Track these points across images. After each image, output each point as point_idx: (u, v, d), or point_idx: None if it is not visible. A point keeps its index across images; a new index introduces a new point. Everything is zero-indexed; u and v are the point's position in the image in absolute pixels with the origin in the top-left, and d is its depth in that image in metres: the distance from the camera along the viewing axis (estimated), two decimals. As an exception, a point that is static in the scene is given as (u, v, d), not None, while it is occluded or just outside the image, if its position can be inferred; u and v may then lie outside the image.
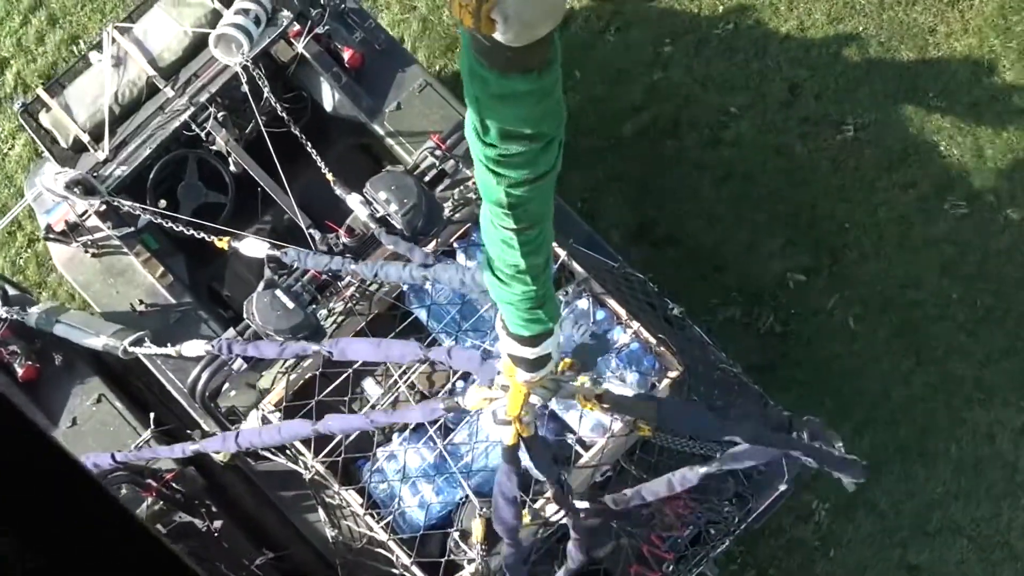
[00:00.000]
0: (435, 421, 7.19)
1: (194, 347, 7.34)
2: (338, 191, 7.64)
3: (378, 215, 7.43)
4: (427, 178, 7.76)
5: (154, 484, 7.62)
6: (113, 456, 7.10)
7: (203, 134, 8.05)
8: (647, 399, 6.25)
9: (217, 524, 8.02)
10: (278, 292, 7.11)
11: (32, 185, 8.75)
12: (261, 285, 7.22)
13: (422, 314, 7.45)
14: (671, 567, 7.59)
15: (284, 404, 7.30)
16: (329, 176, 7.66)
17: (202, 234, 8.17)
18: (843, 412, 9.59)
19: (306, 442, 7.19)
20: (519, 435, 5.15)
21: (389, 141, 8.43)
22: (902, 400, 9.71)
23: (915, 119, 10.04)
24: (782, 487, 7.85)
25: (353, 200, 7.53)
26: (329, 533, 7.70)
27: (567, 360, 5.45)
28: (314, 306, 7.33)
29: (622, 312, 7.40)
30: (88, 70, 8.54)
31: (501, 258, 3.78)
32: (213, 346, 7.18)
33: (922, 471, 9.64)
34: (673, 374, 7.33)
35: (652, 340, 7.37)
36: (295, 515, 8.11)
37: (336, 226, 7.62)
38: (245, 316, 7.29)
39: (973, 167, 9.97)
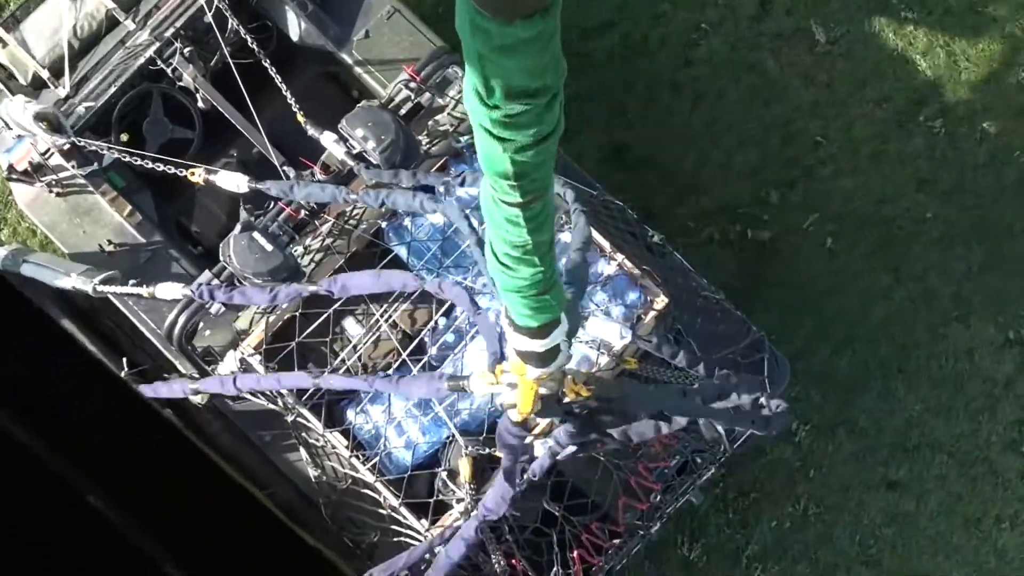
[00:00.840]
0: (419, 361, 7.10)
1: (170, 290, 7.17)
2: (311, 131, 7.44)
3: (355, 152, 7.23)
4: (402, 112, 7.57)
5: (133, 430, 7.48)
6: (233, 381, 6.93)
7: (169, 70, 7.81)
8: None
9: (196, 466, 7.91)
10: (255, 234, 6.93)
11: (-10, 122, 8.50)
12: (237, 228, 7.03)
13: (402, 251, 7.30)
14: (659, 497, 7.57)
15: (264, 347, 7.15)
16: (300, 117, 7.46)
17: (171, 169, 8.03)
18: (823, 331, 9.55)
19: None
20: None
21: (358, 70, 8.23)
22: (882, 317, 9.67)
23: (888, 32, 9.89)
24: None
25: (327, 139, 7.33)
26: (312, 473, 7.61)
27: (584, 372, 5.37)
28: (291, 247, 7.17)
29: (606, 244, 7.28)
30: (44, 3, 8.28)
31: (506, 239, 3.73)
32: (192, 291, 7.02)
33: (902, 388, 9.63)
34: (659, 306, 7.23)
35: (637, 272, 7.26)
36: (275, 455, 7.99)
37: (311, 162, 7.43)
38: (222, 259, 7.11)
39: (948, 80, 9.84)
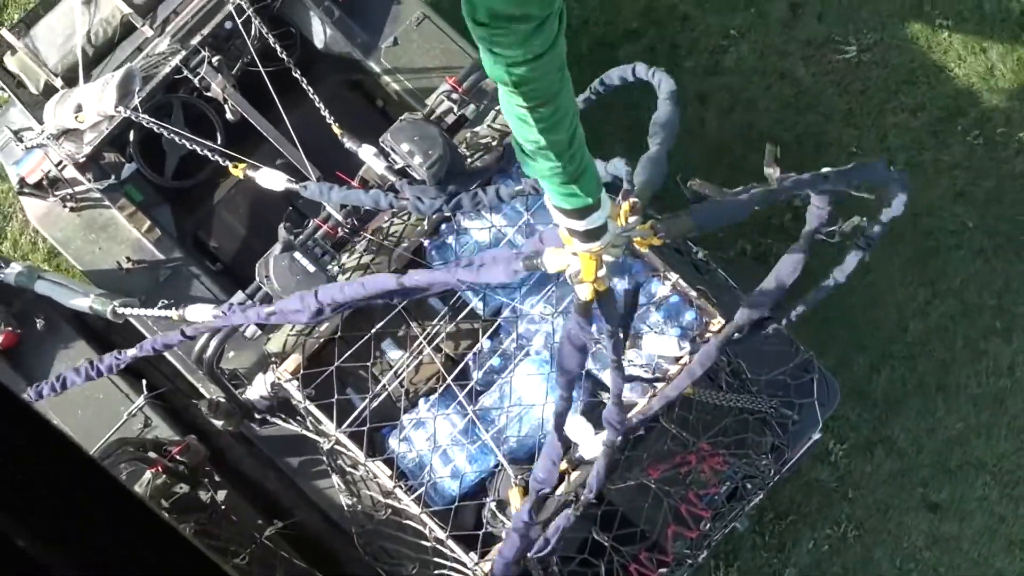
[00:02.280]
0: (464, 386, 6.78)
1: (200, 312, 6.81)
2: (348, 144, 7.08)
3: (397, 167, 6.87)
4: (444, 124, 7.23)
5: (159, 458, 7.13)
6: (183, 332, 6.52)
7: (196, 80, 7.43)
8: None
9: (221, 495, 7.57)
10: (296, 254, 6.57)
11: (-2, 134, 8.12)
12: (277, 247, 6.66)
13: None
14: (708, 525, 7.29)
15: (302, 371, 6.79)
16: (336, 128, 7.11)
17: (188, 182, 7.77)
18: (859, 346, 9.26)
19: (327, 411, 6.71)
20: (596, 291, 4.87)
21: (386, 79, 7.90)
22: (919, 333, 9.38)
23: (922, 39, 9.61)
24: (815, 435, 7.60)
25: (366, 152, 6.97)
26: (345, 501, 7.29)
27: (628, 203, 5.03)
28: (329, 265, 6.81)
29: (659, 263, 6.97)
30: (56, 8, 7.90)
31: (520, 134, 3.68)
32: (223, 313, 6.66)
33: (941, 406, 9.34)
34: (715, 327, 6.93)
35: (692, 292, 6.96)
36: (304, 481, 7.68)
37: (348, 177, 7.07)
38: (258, 279, 6.74)
39: (984, 88, 9.56)
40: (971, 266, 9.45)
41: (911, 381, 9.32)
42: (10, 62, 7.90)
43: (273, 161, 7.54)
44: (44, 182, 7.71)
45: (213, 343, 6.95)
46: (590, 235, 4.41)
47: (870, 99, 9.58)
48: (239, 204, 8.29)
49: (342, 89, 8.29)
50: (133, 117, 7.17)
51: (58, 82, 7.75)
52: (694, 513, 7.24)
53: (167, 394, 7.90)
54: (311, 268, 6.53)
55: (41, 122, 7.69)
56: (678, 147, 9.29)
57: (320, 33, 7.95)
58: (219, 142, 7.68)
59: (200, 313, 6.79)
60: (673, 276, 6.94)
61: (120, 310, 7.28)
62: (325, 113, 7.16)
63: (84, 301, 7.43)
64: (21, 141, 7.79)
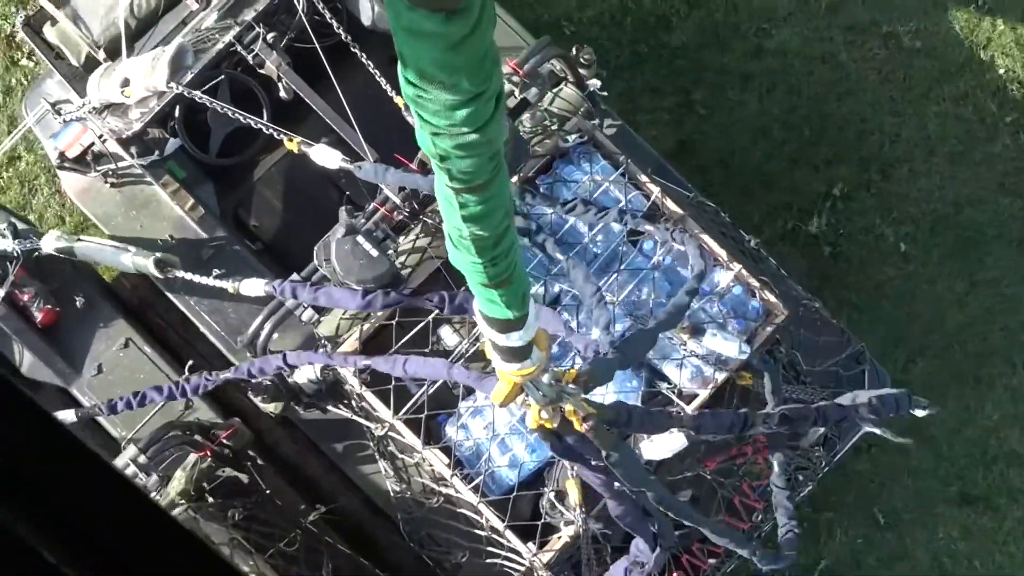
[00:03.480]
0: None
1: (254, 286, 6.67)
2: (410, 119, 6.92)
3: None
4: (506, 108, 7.08)
5: (206, 442, 7.00)
6: (285, 359, 6.46)
7: (250, 57, 7.26)
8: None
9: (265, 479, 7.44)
10: (359, 238, 6.43)
11: (34, 104, 7.93)
12: (339, 230, 6.52)
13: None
14: (760, 516, 7.22)
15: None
16: (400, 102, 6.96)
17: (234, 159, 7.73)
18: (896, 338, 9.18)
19: (384, 398, 6.59)
20: (541, 425, 4.76)
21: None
22: (957, 324, 9.30)
23: (967, 27, 9.52)
24: (867, 428, 7.52)
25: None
26: (393, 488, 7.17)
27: (573, 371, 4.86)
28: (390, 250, 6.67)
29: (722, 253, 6.86)
30: (97, -22, 7.72)
31: (445, 215, 3.50)
32: (275, 288, 6.53)
33: (977, 399, 9.27)
34: (778, 319, 6.83)
35: (755, 283, 6.86)
36: (348, 466, 7.56)
37: (406, 159, 6.92)
38: (316, 262, 6.60)
39: (1030, 77, 9.50)
40: (1010, 258, 9.37)
41: (948, 372, 9.24)
42: (49, 33, 7.72)
43: (318, 139, 7.39)
44: (88, 156, 7.54)
45: (268, 326, 6.83)
46: (509, 353, 4.25)
47: (912, 87, 9.49)
48: (279, 182, 8.14)
49: (386, 68, 8.13)
50: (185, 93, 7.00)
51: (100, 54, 7.58)
52: (747, 504, 7.18)
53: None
54: (374, 252, 6.40)
55: (82, 95, 7.52)
56: (715, 128, 9.27)
57: (368, 10, 7.79)
58: (266, 118, 7.52)
59: (253, 287, 6.65)
60: (736, 266, 6.83)
61: (179, 275, 7.17)
62: (387, 88, 7.02)
63: (126, 257, 7.29)
64: (59, 114, 7.61)
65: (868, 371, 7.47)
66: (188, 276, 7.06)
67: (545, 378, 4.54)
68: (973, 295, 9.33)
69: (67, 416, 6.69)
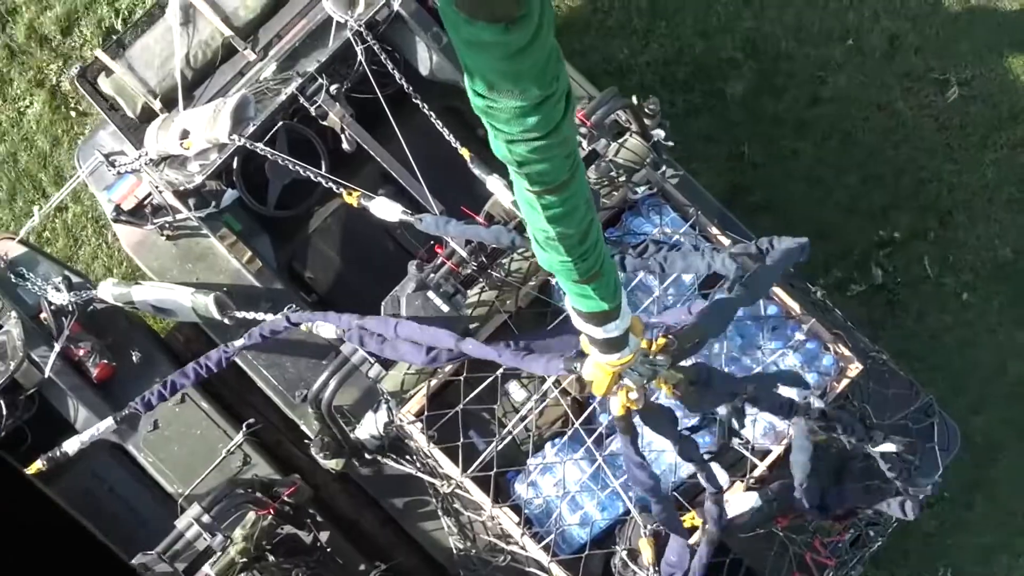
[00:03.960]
0: (591, 431, 6.53)
1: (327, 327, 6.53)
2: (476, 171, 6.83)
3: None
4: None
5: (269, 500, 6.87)
6: (287, 318, 6.33)
7: (312, 109, 7.16)
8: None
9: (323, 535, 7.31)
10: (430, 294, 6.31)
11: (87, 156, 7.84)
12: (410, 285, 6.40)
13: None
14: (831, 573, 7.07)
15: (425, 413, 6.53)
16: (466, 154, 6.86)
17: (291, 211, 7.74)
18: (957, 388, 9.04)
19: (452, 455, 6.46)
20: (627, 408, 4.78)
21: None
22: (1019, 374, 9.16)
23: (1022, 73, 9.42)
24: (936, 480, 7.39)
25: (495, 183, 6.71)
26: (456, 545, 7.03)
27: (662, 340, 4.78)
28: (459, 306, 6.53)
29: (795, 307, 6.74)
30: (152, 29, 7.63)
31: (529, 219, 3.50)
32: (344, 332, 6.39)
33: (1043, 450, 9.14)
34: (853, 373, 6.70)
35: (828, 336, 6.73)
36: (408, 522, 7.42)
37: (472, 212, 6.80)
38: (384, 315, 6.48)
39: (1089, 127, 9.39)
40: None
41: (1012, 424, 9.10)
42: (104, 84, 7.63)
43: (374, 190, 7.28)
44: (146, 209, 7.45)
45: (333, 383, 6.71)
46: (607, 344, 4.24)
47: (969, 134, 9.39)
48: (334, 234, 8.05)
49: (441, 117, 8.05)
50: (248, 145, 6.91)
51: (157, 105, 7.49)
52: (819, 561, 7.03)
53: (259, 430, 7.64)
54: (444, 308, 6.27)
55: (137, 147, 7.43)
56: (769, 176, 9.16)
57: (426, 60, 7.69)
58: (324, 169, 7.42)
59: (327, 329, 6.51)
60: (809, 320, 6.70)
61: (225, 304, 7.13)
62: (449, 137, 6.93)
63: (185, 297, 7.20)
64: (113, 166, 7.52)
65: (937, 423, 7.32)
66: (258, 315, 6.96)
67: (638, 359, 4.53)
68: (1036, 345, 9.21)
69: (107, 423, 6.55)
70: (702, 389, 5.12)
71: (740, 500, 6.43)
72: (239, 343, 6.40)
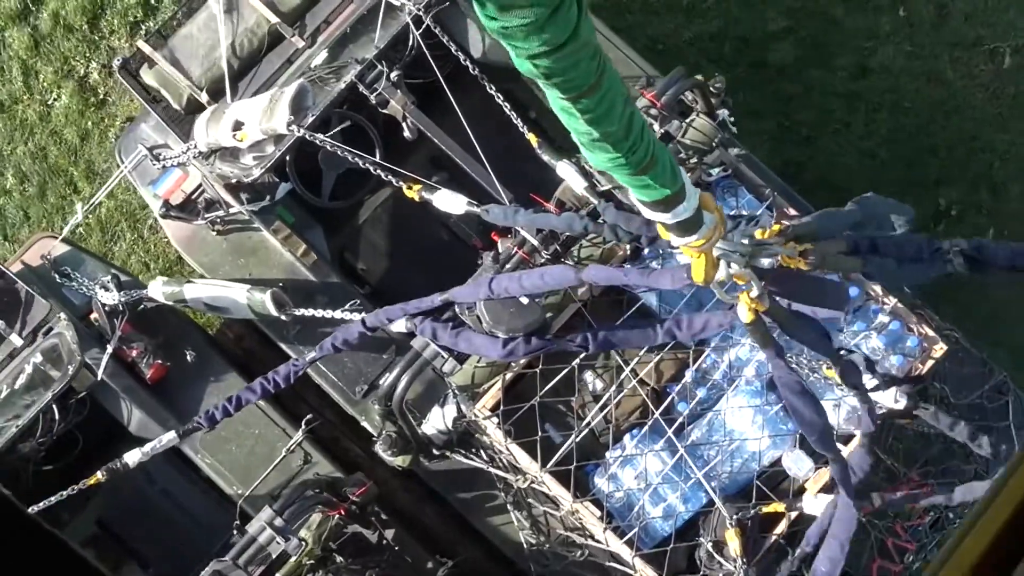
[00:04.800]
0: (671, 421, 6.35)
1: (396, 323, 6.32)
2: (546, 158, 6.63)
3: (601, 188, 6.40)
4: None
5: (340, 501, 6.70)
6: (364, 322, 6.11)
7: (373, 97, 6.95)
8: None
9: (389, 533, 7.13)
10: (509, 287, 6.11)
11: (129, 150, 7.63)
12: (487, 276, 6.21)
13: (651, 298, 6.51)
14: (911, 557, 6.93)
15: (502, 407, 6.34)
16: (535, 141, 6.67)
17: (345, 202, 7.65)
18: (1020, 363, 8.86)
19: (528, 449, 6.27)
20: (754, 311, 4.66)
21: (548, 89, 7.44)
22: (1090, 349, 9.00)
23: (1075, 40, 9.28)
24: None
25: (566, 169, 6.51)
26: (528, 539, 6.87)
27: (776, 226, 4.78)
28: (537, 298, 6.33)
29: (877, 288, 6.57)
30: (195, 17, 7.43)
31: (570, 125, 3.56)
32: (416, 324, 6.19)
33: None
34: (938, 353, 6.53)
35: (912, 317, 6.56)
36: (476, 517, 7.25)
37: (543, 200, 6.61)
38: (459, 311, 6.27)
39: None
40: None
41: (1074, 396, 8.95)
42: (147, 75, 7.42)
43: (426, 176, 7.08)
44: (199, 204, 7.24)
45: (405, 378, 6.52)
46: (682, 227, 4.22)
47: (1020, 104, 9.21)
48: (386, 224, 7.88)
49: (494, 100, 7.85)
50: (307, 136, 6.70)
51: (204, 96, 7.29)
52: (899, 546, 6.88)
53: (316, 427, 7.45)
54: (524, 300, 6.06)
55: (184, 139, 7.24)
56: (820, 150, 8.99)
57: (478, 42, 7.50)
58: (379, 158, 7.22)
59: (395, 324, 6.32)
60: (892, 300, 6.53)
61: (283, 300, 7.01)
62: (519, 123, 6.76)
63: (240, 295, 7.04)
64: (158, 159, 7.33)
65: (1012, 401, 7.18)
66: (316, 312, 6.80)
67: (735, 236, 4.51)
68: (1099, 319, 9.04)
69: (169, 436, 6.34)
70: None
71: (816, 503, 6.28)
72: (310, 356, 6.20)
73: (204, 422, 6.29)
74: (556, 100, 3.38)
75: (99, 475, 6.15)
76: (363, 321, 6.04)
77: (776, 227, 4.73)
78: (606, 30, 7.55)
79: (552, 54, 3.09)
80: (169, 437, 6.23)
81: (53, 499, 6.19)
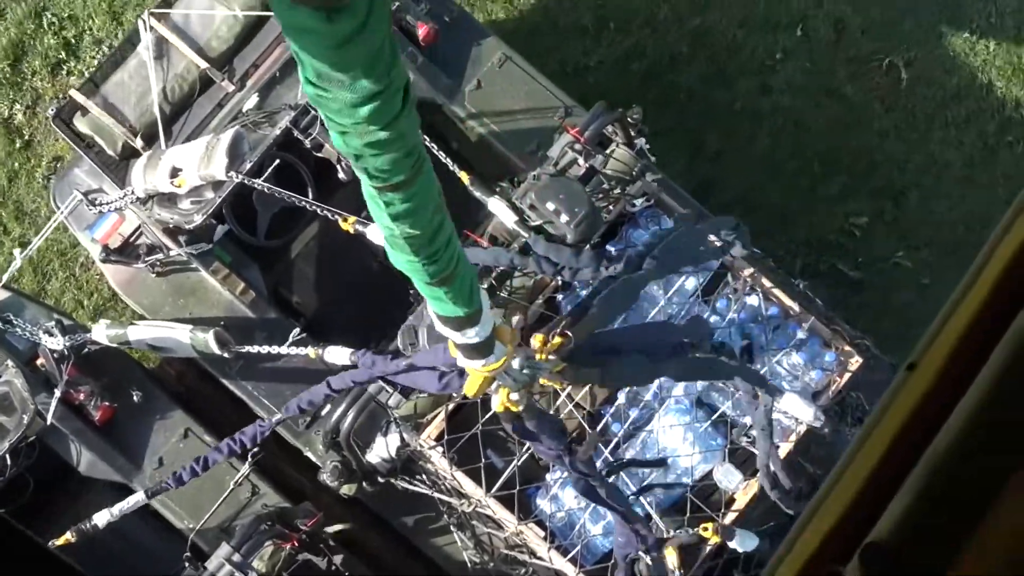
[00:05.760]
0: (607, 442, 6.69)
1: (339, 353, 6.56)
2: (477, 194, 6.92)
3: (533, 223, 6.70)
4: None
5: (292, 532, 6.94)
6: (329, 385, 6.30)
7: (307, 141, 7.18)
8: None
9: (338, 559, 7.37)
10: (448, 321, 6.38)
11: (64, 195, 7.79)
12: (431, 316, 6.47)
13: (582, 327, 6.83)
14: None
15: (446, 437, 6.63)
16: (465, 179, 6.95)
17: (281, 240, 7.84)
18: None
19: (475, 476, 6.57)
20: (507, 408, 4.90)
21: (471, 123, 7.73)
22: (983, 340, 9.43)
23: (963, 51, 9.69)
24: None
25: (496, 205, 6.81)
26: (472, 559, 7.16)
27: (557, 340, 4.96)
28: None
29: (794, 306, 6.94)
30: (125, 65, 7.60)
31: (375, 216, 3.47)
32: (359, 357, 6.44)
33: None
34: (853, 367, 6.91)
35: (828, 333, 6.93)
36: (421, 540, 7.53)
37: (471, 233, 6.89)
38: (401, 345, 6.54)
39: (1029, 98, 9.69)
40: None
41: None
42: (80, 123, 7.58)
43: (356, 212, 7.31)
44: (140, 251, 7.43)
45: (352, 413, 6.77)
46: (471, 350, 4.29)
47: (917, 115, 9.63)
48: (318, 258, 8.10)
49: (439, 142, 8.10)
50: (246, 182, 6.93)
51: (138, 142, 7.47)
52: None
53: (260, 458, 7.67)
54: (464, 335, 6.35)
55: (120, 185, 7.42)
56: (730, 168, 9.35)
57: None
58: (311, 197, 7.44)
59: (338, 355, 6.56)
60: (809, 318, 6.90)
61: (225, 339, 7.17)
62: (448, 163, 7.01)
63: (183, 336, 7.20)
64: (94, 204, 7.49)
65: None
66: (261, 349, 7.01)
67: (516, 363, 4.63)
68: (994, 315, 9.47)
69: (138, 497, 6.54)
70: (585, 360, 5.17)
71: (794, 403, 6.49)
72: (276, 418, 6.39)
73: (172, 483, 6.50)
74: (365, 186, 3.32)
75: (69, 536, 6.32)
76: (328, 383, 6.25)
77: (558, 340, 4.89)
78: (521, 60, 7.80)
79: (364, 136, 3.04)
80: (138, 498, 6.43)
81: None
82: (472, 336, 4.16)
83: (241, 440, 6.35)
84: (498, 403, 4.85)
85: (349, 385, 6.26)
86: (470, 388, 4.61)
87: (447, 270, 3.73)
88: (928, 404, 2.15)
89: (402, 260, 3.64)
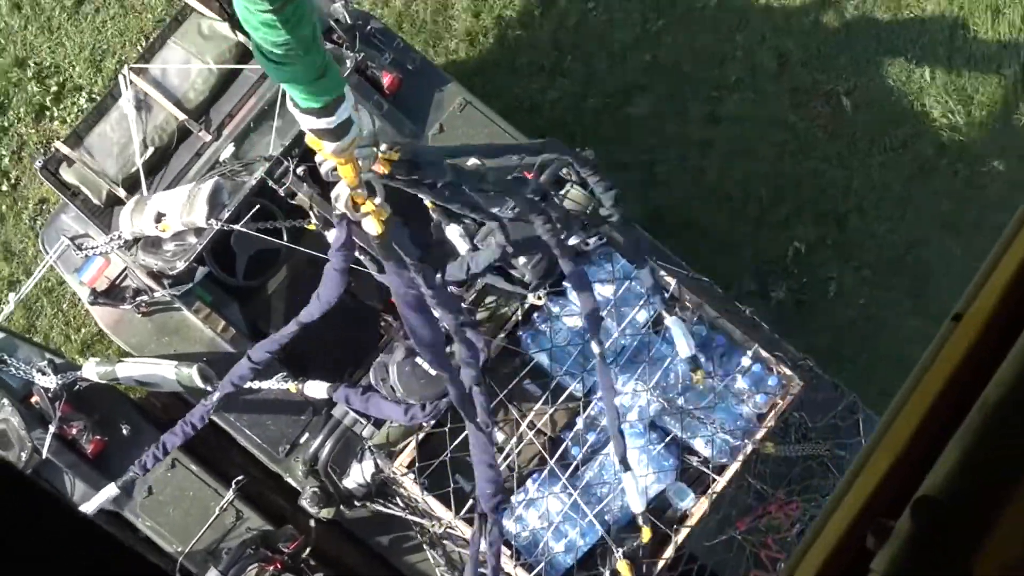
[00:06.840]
0: (567, 465, 7.18)
1: (318, 388, 7.15)
2: (436, 216, 7.39)
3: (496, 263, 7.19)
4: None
5: (276, 555, 7.42)
6: (249, 357, 7.05)
7: (281, 190, 7.65)
8: None
9: (317, 578, 7.86)
10: (418, 359, 6.89)
11: (52, 240, 8.26)
12: (399, 353, 6.98)
13: (542, 358, 7.32)
14: (782, 565, 7.79)
15: (417, 464, 7.13)
16: (430, 203, 7.39)
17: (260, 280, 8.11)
18: (868, 377, 9.76)
19: (444, 500, 7.08)
20: (381, 221, 5.44)
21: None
22: (918, 358, 9.89)
23: (899, 80, 10.19)
24: None
25: (453, 232, 7.31)
26: (443, 574, 7.64)
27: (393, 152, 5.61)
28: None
29: (738, 334, 7.44)
30: (107, 117, 8.06)
31: (268, 39, 4.07)
32: (332, 389, 7.04)
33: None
34: (795, 390, 7.41)
35: (771, 359, 7.43)
36: (396, 558, 7.99)
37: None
38: (373, 381, 7.05)
39: (963, 122, 10.13)
40: (959, 290, 9.88)
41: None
42: (66, 173, 8.02)
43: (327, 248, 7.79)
44: (126, 292, 7.88)
45: (329, 444, 7.30)
46: (340, 130, 4.82)
47: (857, 141, 10.13)
48: (293, 292, 8.53)
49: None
50: (226, 228, 7.40)
51: (121, 191, 7.91)
52: (771, 556, 7.74)
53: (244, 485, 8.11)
54: (432, 372, 6.86)
55: (105, 231, 7.86)
56: (680, 196, 9.83)
57: (368, 126, 8.18)
58: (284, 239, 7.92)
59: (317, 389, 7.12)
60: (752, 345, 7.39)
61: (208, 375, 7.63)
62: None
63: (169, 371, 7.65)
64: (80, 249, 7.93)
65: (863, 419, 8.05)
66: (247, 384, 7.46)
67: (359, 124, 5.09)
68: (933, 329, 9.93)
69: (109, 490, 7.08)
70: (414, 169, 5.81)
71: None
72: (215, 396, 6.98)
73: (138, 470, 7.06)
74: (257, 16, 3.92)
75: None
76: (248, 357, 6.85)
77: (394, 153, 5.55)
78: (480, 104, 8.26)
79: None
80: (110, 491, 6.98)
81: None
82: (344, 111, 4.75)
83: (191, 421, 7.14)
84: (374, 224, 5.44)
85: (266, 357, 7.01)
86: (348, 175, 5.19)
87: (325, 55, 4.41)
88: (974, 355, 2.16)
89: (295, 71, 4.33)
